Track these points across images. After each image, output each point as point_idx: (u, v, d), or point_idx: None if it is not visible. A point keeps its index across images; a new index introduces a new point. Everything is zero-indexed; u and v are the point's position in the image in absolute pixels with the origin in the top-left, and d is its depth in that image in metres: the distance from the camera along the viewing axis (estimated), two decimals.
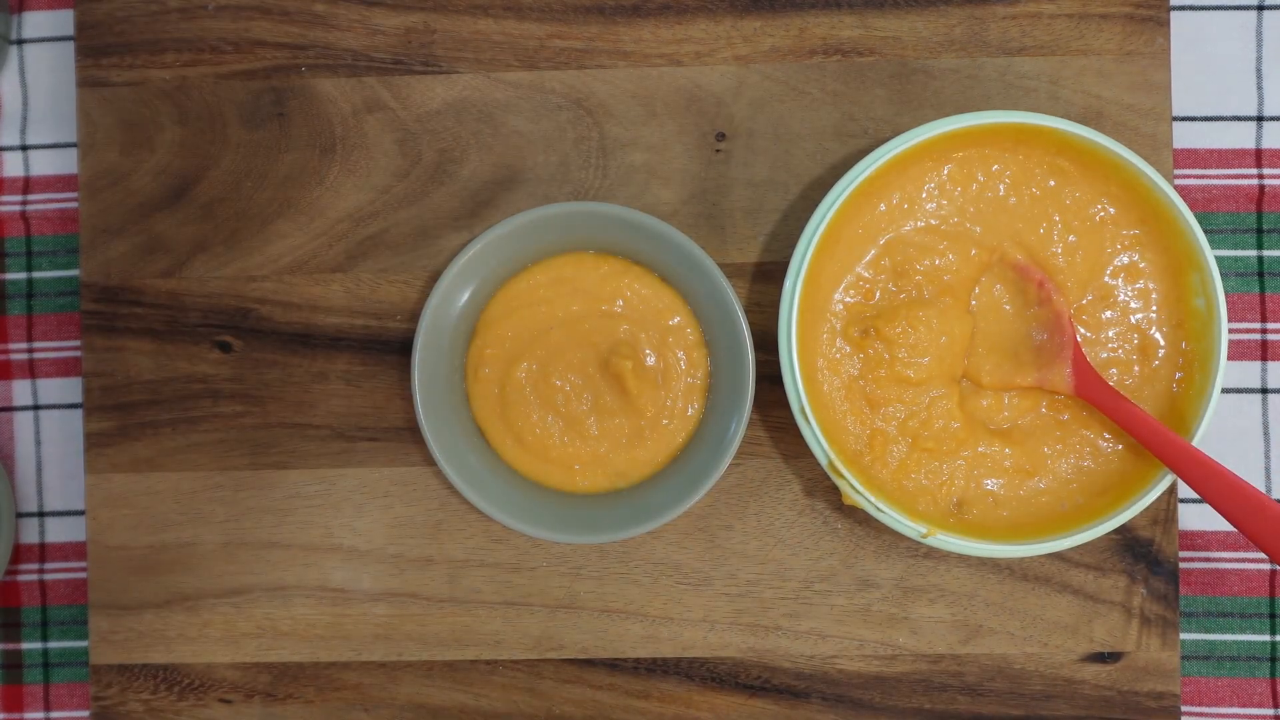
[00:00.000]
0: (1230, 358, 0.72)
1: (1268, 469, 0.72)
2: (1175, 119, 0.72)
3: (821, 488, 0.69)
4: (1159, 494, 0.64)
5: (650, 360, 0.67)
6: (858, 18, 0.69)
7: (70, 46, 0.73)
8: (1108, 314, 0.66)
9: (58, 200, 0.74)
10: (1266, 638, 0.72)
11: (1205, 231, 0.64)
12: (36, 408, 0.74)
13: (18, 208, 0.74)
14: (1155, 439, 0.62)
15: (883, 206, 0.66)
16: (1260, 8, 0.72)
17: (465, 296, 0.68)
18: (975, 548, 0.64)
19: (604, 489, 0.68)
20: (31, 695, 0.74)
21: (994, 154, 0.66)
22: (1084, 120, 0.68)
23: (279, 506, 0.70)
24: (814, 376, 0.66)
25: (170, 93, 0.70)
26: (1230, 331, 0.72)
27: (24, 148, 0.74)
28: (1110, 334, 0.67)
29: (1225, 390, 0.72)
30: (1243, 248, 0.72)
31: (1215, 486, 0.61)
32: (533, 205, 0.69)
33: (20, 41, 0.74)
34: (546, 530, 0.66)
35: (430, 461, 0.69)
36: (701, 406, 0.68)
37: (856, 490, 0.63)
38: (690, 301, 0.68)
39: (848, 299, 0.66)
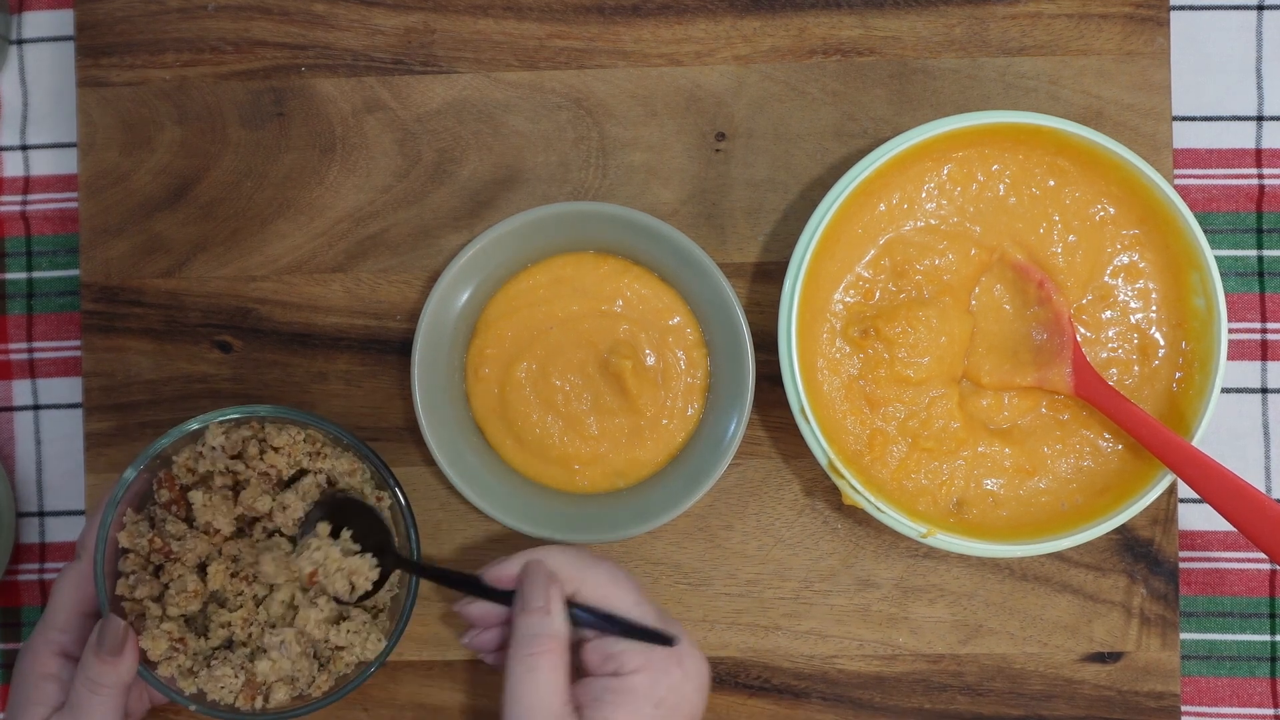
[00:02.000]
0: (1230, 358, 0.72)
1: (1268, 469, 0.72)
2: (1175, 119, 0.72)
3: (821, 488, 0.69)
4: (1159, 494, 0.64)
5: (650, 360, 0.67)
6: (858, 18, 0.69)
7: (70, 46, 0.73)
8: (1108, 314, 0.66)
9: (58, 200, 0.74)
10: (1266, 638, 0.72)
11: (1205, 231, 0.64)
12: (36, 408, 0.74)
13: (18, 208, 0.74)
14: (1155, 439, 0.62)
15: (883, 206, 0.66)
16: (1260, 8, 0.72)
17: (465, 296, 0.68)
18: (975, 548, 0.63)
19: (604, 489, 0.68)
20: None
21: (994, 154, 0.66)
22: (1084, 120, 0.68)
23: None
24: (814, 376, 0.66)
25: (170, 93, 0.70)
26: (1230, 331, 0.72)
27: (24, 148, 0.74)
28: (1110, 334, 0.67)
29: (1225, 390, 0.72)
30: (1243, 248, 0.72)
31: (1215, 486, 0.61)
32: (533, 205, 0.69)
33: (20, 41, 0.74)
34: (546, 530, 0.66)
35: (430, 461, 0.69)
36: (701, 406, 0.68)
37: (856, 490, 0.63)
38: (690, 301, 0.68)
39: (848, 299, 0.66)
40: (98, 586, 0.61)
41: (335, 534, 0.63)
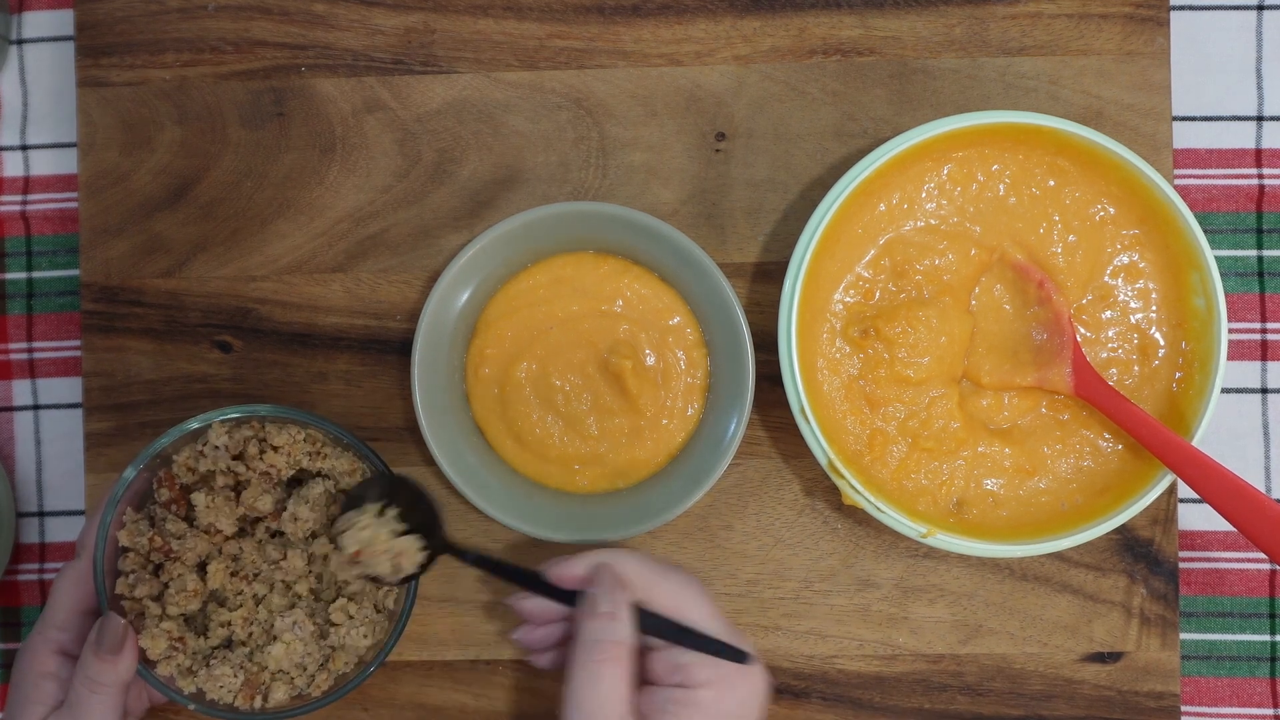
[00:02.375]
0: (1230, 358, 0.72)
1: (1268, 469, 0.72)
2: (1175, 119, 0.72)
3: (821, 488, 0.69)
4: (1159, 494, 0.64)
5: (650, 360, 0.67)
6: (858, 18, 0.69)
7: (70, 46, 0.73)
8: (1108, 314, 0.66)
9: (58, 200, 0.74)
10: (1266, 638, 0.72)
11: (1205, 231, 0.64)
12: (36, 408, 0.74)
13: (18, 208, 0.74)
14: (1155, 439, 0.62)
15: (882, 206, 0.66)
16: (1260, 8, 0.72)
17: (465, 296, 0.67)
18: (975, 548, 0.63)
19: (604, 489, 0.68)
20: None
21: (994, 154, 0.66)
22: (1084, 120, 0.68)
23: None
24: (814, 376, 0.66)
25: (170, 93, 0.70)
26: (1230, 331, 0.72)
27: (24, 148, 0.74)
28: (1110, 334, 0.67)
29: (1225, 390, 0.72)
30: (1243, 248, 0.72)
31: (1215, 486, 0.61)
32: (533, 205, 0.69)
33: (20, 41, 0.74)
34: (546, 530, 0.66)
35: (430, 461, 0.69)
36: (701, 406, 0.68)
37: (856, 490, 0.63)
38: (690, 301, 0.68)
39: (848, 299, 0.66)
40: (97, 585, 0.61)
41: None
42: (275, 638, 0.62)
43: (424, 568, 0.61)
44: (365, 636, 0.63)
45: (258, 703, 0.62)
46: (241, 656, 0.62)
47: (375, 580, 0.61)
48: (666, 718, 0.55)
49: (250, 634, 0.63)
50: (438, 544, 0.61)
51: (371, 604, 0.64)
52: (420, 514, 0.62)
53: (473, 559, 0.61)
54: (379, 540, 0.60)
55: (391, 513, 0.61)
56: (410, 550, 0.61)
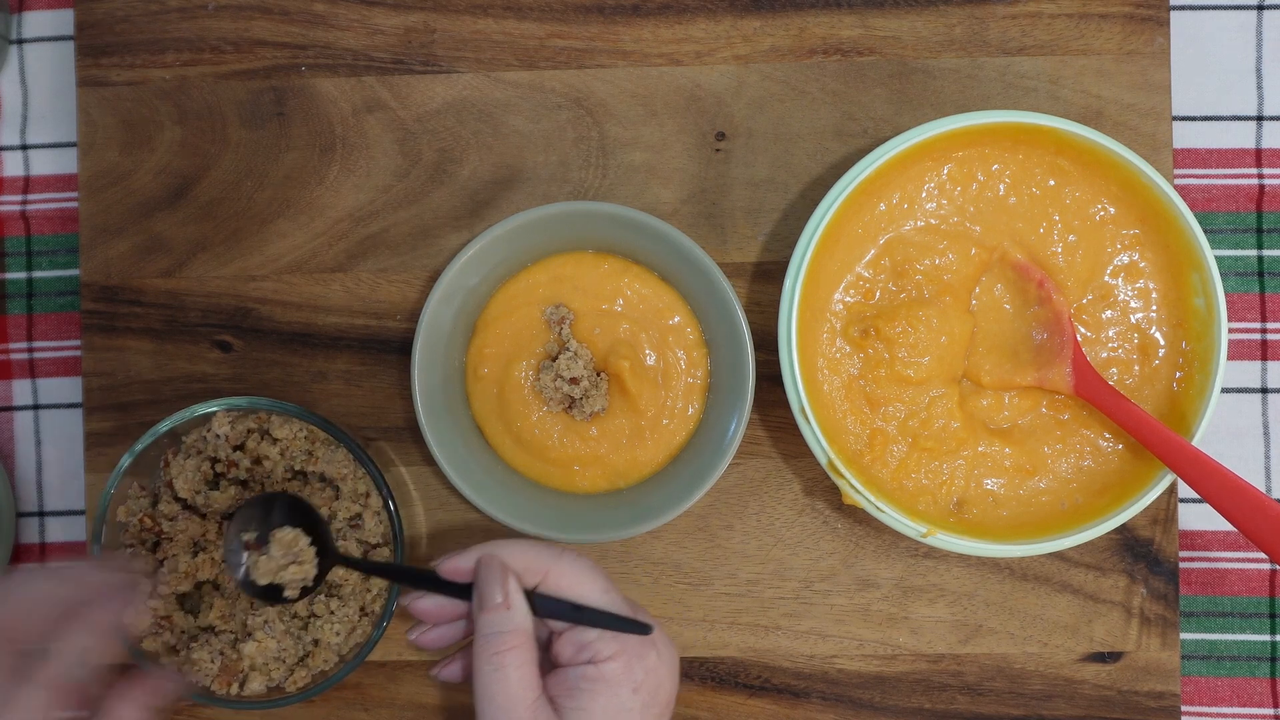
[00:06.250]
0: (1230, 357, 0.72)
1: (1268, 469, 0.72)
2: (1175, 119, 0.72)
3: (821, 487, 0.69)
4: (1159, 494, 0.64)
5: (650, 360, 0.67)
6: (858, 17, 0.69)
7: (70, 46, 0.73)
8: (1108, 313, 0.66)
9: (58, 200, 0.74)
10: (1266, 638, 0.72)
11: (1205, 231, 0.64)
12: (36, 407, 0.74)
13: (18, 207, 0.74)
14: (1155, 438, 0.62)
15: (883, 206, 0.66)
16: (1260, 8, 0.72)
17: (465, 296, 0.67)
18: (975, 547, 0.63)
19: (604, 489, 0.68)
20: None
21: (994, 154, 0.66)
22: (1084, 120, 0.68)
23: None
24: (814, 376, 0.66)
25: (170, 92, 0.70)
26: (1230, 331, 0.72)
27: (24, 147, 0.74)
28: (1110, 333, 0.67)
29: (1225, 390, 0.72)
30: (1243, 247, 0.72)
31: (1215, 486, 0.61)
32: (532, 205, 0.69)
33: (20, 41, 0.74)
34: (546, 530, 0.66)
35: (430, 461, 0.69)
36: (701, 406, 0.68)
37: (856, 490, 0.63)
38: (690, 301, 0.68)
39: (848, 298, 0.66)
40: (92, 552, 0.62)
41: (263, 539, 0.61)
42: (250, 634, 0.63)
43: (316, 581, 0.61)
44: (341, 634, 0.63)
45: (234, 690, 0.63)
46: (223, 643, 0.63)
47: (283, 600, 0.61)
48: (579, 695, 0.55)
49: (232, 623, 0.64)
50: (329, 558, 0.61)
51: (359, 606, 0.64)
52: (310, 527, 0.61)
53: (364, 566, 0.61)
54: (306, 554, 0.60)
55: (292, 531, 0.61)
56: (308, 563, 0.61)
